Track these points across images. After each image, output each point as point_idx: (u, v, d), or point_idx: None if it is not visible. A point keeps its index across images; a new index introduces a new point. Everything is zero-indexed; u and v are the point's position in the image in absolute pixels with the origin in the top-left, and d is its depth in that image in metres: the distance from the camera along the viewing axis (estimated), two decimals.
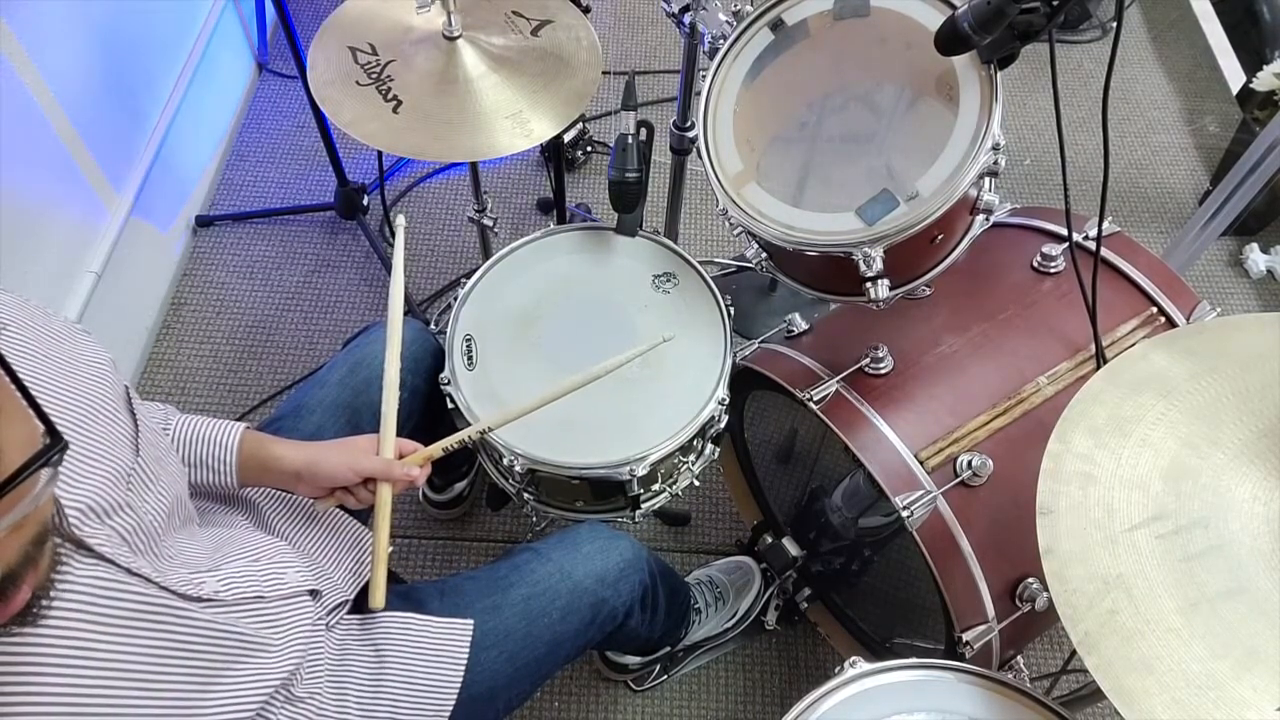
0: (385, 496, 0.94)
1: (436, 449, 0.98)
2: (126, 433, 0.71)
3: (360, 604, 0.94)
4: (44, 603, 0.52)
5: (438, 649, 0.92)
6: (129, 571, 0.63)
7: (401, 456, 0.96)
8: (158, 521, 0.70)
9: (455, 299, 1.24)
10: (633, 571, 1.05)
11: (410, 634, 0.93)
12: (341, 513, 1.01)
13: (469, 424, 1.12)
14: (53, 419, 0.46)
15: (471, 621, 0.95)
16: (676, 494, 1.26)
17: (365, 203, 1.95)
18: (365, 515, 1.00)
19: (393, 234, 1.97)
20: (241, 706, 0.71)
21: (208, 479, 0.91)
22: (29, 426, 0.46)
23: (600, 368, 1.01)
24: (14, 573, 0.47)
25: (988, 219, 1.02)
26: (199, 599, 0.69)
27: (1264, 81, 1.97)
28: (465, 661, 0.92)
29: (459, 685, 0.91)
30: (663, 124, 1.60)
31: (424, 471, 0.97)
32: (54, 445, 0.45)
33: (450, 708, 0.91)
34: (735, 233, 1.06)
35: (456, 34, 1.22)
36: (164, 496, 0.72)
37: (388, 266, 1.94)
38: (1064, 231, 1.17)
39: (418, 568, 1.59)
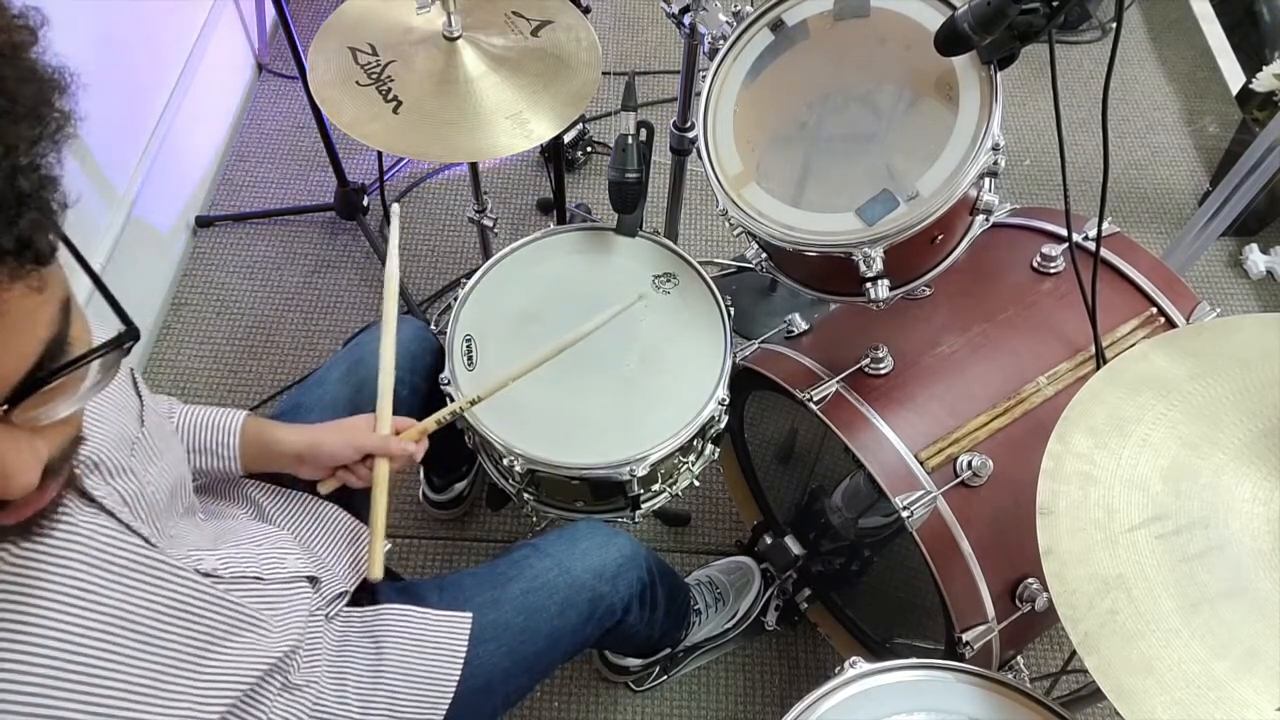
0: (383, 472, 0.97)
1: (430, 422, 1.02)
2: (132, 404, 0.72)
3: (359, 598, 0.95)
4: (44, 523, 0.52)
5: (436, 641, 0.93)
6: (129, 528, 0.64)
7: (398, 433, 0.99)
8: (160, 496, 0.71)
9: (455, 299, 1.24)
10: (631, 567, 1.05)
11: (409, 627, 0.93)
12: (342, 510, 1.02)
13: (469, 424, 1.12)
14: None
15: (470, 615, 0.95)
16: (676, 494, 1.25)
17: (365, 203, 1.95)
18: (364, 510, 1.01)
19: None
20: (237, 678, 0.71)
21: (211, 464, 0.92)
22: (83, 325, 0.48)
23: (578, 332, 1.09)
24: (54, 466, 0.48)
25: (988, 219, 1.02)
26: (197, 573, 0.70)
27: (1264, 82, 1.97)
28: (464, 654, 0.93)
29: (457, 678, 0.92)
30: (663, 124, 1.60)
31: (421, 447, 1.01)
32: (129, 333, 0.48)
33: (449, 700, 0.91)
34: (735, 233, 1.06)
35: (456, 34, 1.22)
36: (166, 474, 0.73)
37: None
38: (1064, 232, 1.17)
39: (418, 567, 1.59)
